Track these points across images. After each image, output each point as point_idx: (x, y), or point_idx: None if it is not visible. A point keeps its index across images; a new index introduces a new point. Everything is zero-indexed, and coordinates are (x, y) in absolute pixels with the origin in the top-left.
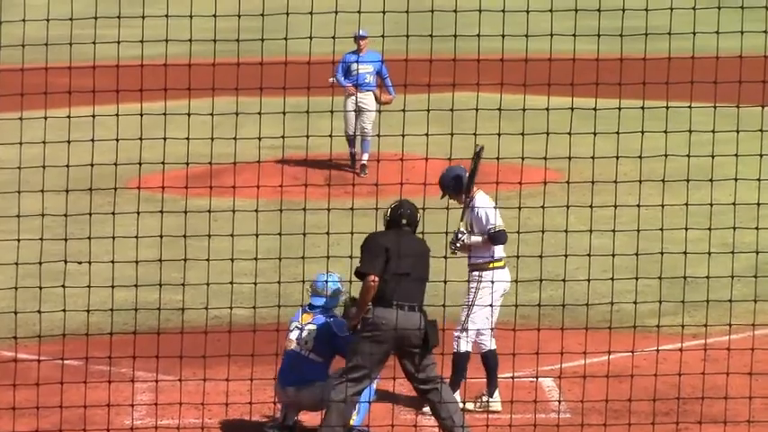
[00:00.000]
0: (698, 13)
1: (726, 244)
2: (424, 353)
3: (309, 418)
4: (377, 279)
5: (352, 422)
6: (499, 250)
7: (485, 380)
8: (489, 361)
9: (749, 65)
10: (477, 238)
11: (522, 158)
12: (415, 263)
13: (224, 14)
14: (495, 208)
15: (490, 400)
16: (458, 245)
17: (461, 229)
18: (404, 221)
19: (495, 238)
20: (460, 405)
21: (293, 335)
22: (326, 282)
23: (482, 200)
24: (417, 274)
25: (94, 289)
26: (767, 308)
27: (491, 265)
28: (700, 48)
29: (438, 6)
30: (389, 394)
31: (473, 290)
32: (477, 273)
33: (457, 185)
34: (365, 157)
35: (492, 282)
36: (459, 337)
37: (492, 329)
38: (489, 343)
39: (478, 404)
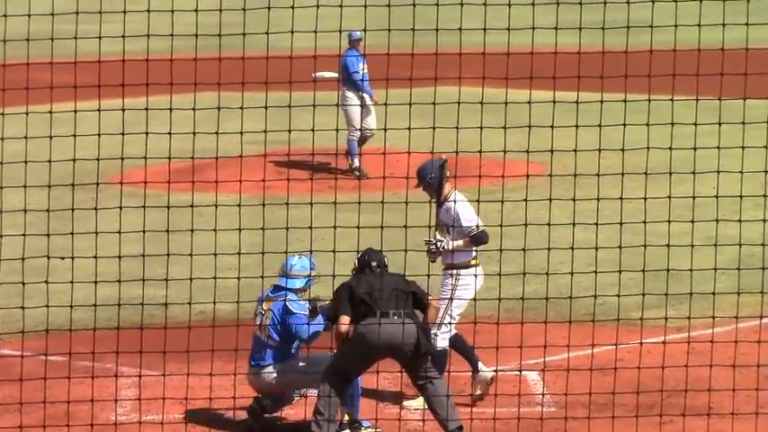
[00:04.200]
0: (679, 6)
1: (709, 237)
2: (418, 358)
3: (295, 412)
4: (346, 320)
5: (347, 416)
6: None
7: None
8: (436, 360)
9: (731, 57)
10: (458, 242)
11: (505, 152)
12: (388, 281)
13: (205, 9)
14: (471, 205)
15: None
16: (436, 252)
17: (438, 237)
18: (374, 264)
19: (479, 239)
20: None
21: (257, 320)
22: (293, 265)
23: (459, 199)
24: (393, 287)
25: (78, 285)
26: (751, 300)
27: (471, 262)
28: (682, 41)
29: (420, 0)
30: (373, 389)
31: (449, 286)
32: (455, 271)
33: (435, 180)
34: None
35: (475, 276)
36: (435, 335)
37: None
38: (443, 341)
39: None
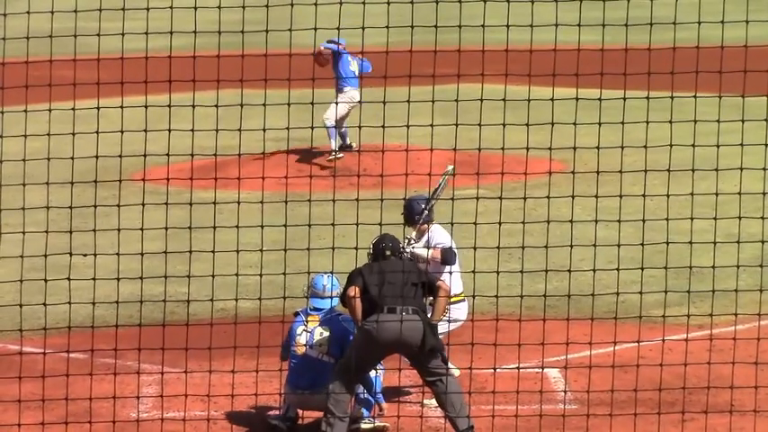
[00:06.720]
0: (703, 3)
1: (731, 234)
2: (424, 355)
3: (311, 411)
4: (357, 289)
5: (360, 413)
6: (457, 285)
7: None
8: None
9: (754, 54)
10: (430, 252)
11: (527, 149)
12: (398, 275)
13: (228, 6)
14: (450, 238)
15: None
16: (407, 249)
17: (413, 235)
18: (388, 253)
19: (444, 252)
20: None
21: (303, 339)
22: (325, 285)
23: (438, 233)
24: (403, 281)
25: (100, 282)
26: None
27: (460, 296)
28: (705, 38)
29: None
30: (395, 386)
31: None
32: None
33: (408, 215)
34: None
35: (469, 301)
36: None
37: None
38: None
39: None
